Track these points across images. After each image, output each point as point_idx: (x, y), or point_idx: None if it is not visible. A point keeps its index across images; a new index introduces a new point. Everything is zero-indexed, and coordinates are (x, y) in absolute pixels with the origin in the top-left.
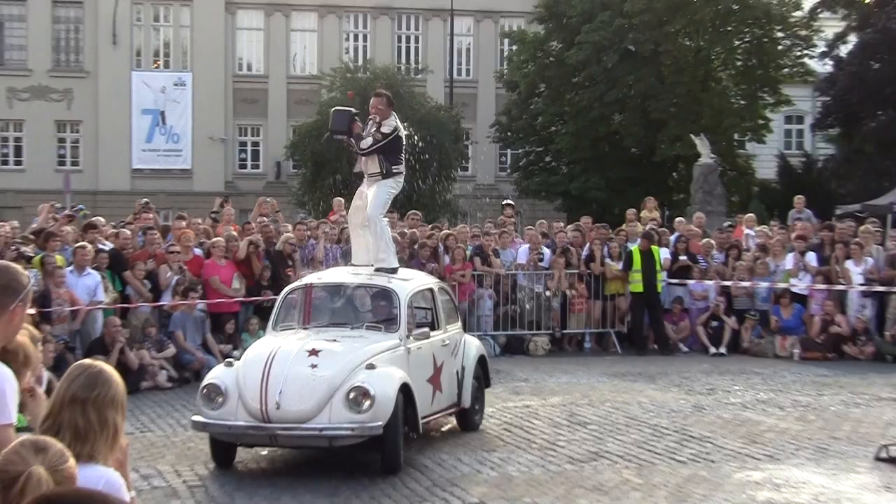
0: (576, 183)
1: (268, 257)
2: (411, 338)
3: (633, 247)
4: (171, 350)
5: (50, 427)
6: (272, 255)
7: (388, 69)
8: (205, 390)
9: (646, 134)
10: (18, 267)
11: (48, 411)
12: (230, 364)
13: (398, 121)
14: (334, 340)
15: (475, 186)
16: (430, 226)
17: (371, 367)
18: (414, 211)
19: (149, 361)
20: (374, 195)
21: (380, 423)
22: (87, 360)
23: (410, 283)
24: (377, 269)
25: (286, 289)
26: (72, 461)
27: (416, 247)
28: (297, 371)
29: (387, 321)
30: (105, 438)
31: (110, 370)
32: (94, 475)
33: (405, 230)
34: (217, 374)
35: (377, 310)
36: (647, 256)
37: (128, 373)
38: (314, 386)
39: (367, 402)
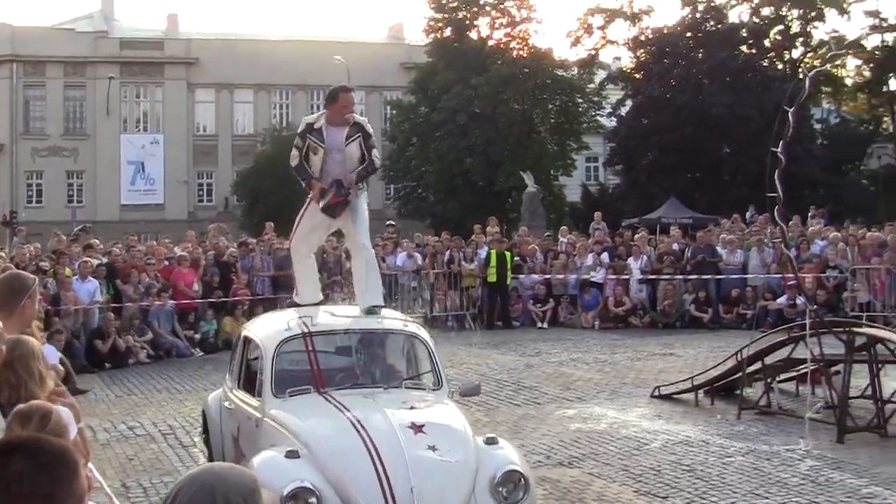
0: (440, 207)
1: (217, 266)
2: (454, 394)
3: (492, 250)
4: (149, 335)
5: None
6: (221, 264)
7: None
8: (291, 500)
9: (488, 171)
10: (24, 272)
11: None
12: (294, 455)
13: None
14: (412, 408)
15: (369, 212)
16: (336, 239)
17: (492, 441)
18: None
19: (132, 344)
20: (356, 217)
21: None
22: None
23: (417, 324)
24: (368, 309)
25: (276, 342)
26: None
27: (324, 256)
28: (419, 456)
29: (419, 376)
30: (34, 382)
31: (24, 336)
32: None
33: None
34: (293, 472)
35: (403, 361)
36: (501, 258)
37: (118, 352)
38: (451, 473)
39: (522, 490)
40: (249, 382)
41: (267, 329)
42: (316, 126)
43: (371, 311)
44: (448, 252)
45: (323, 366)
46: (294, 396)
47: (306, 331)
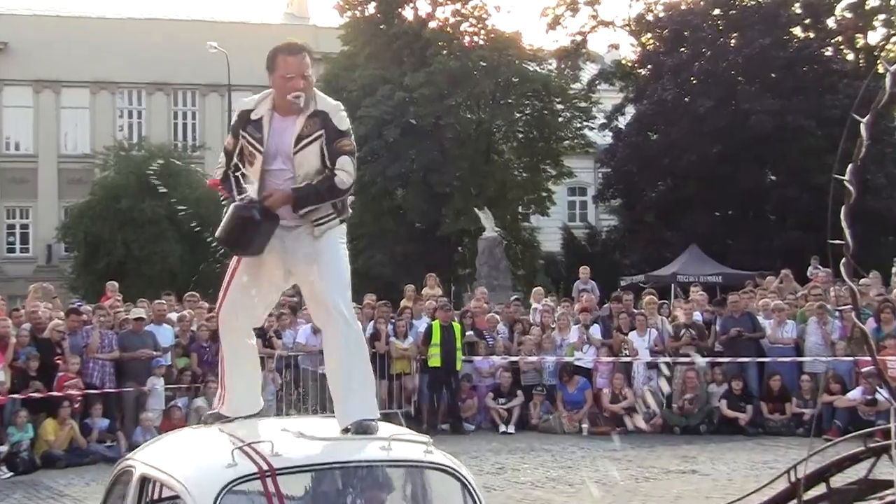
0: (360, 259)
1: (36, 345)
2: None
3: (435, 322)
4: None
5: None
6: (41, 343)
7: (165, 146)
8: None
9: (429, 208)
10: None
11: None
12: None
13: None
14: None
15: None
16: (209, 306)
17: None
18: (191, 292)
19: None
20: (323, 264)
21: None
22: None
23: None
24: (358, 426)
25: (214, 491)
26: None
27: (195, 329)
28: None
29: None
30: None
31: None
32: None
33: (185, 313)
34: None
35: None
36: (447, 332)
37: None
38: None
39: None
40: None
41: (189, 465)
42: (255, 116)
43: (362, 428)
44: (372, 324)
45: None
46: None
47: (265, 467)
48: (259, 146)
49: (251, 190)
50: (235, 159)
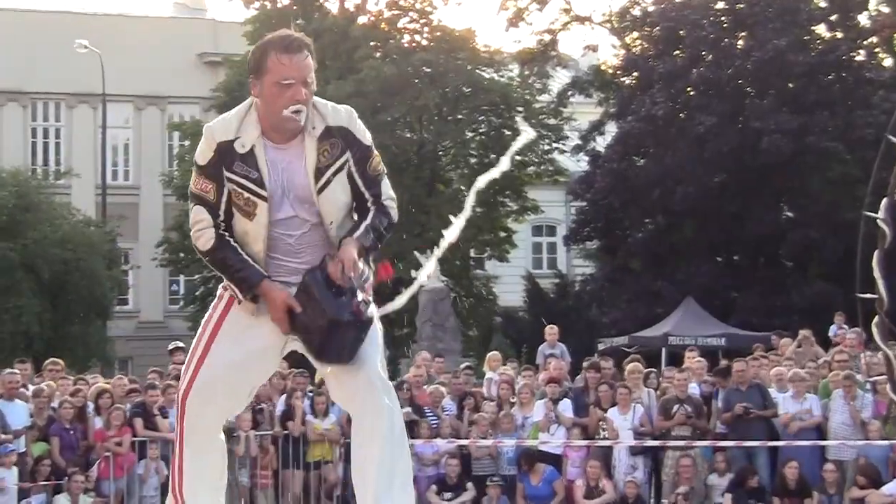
0: None
1: None
2: None
3: None
4: None
5: None
6: None
7: (19, 173)
8: None
9: None
10: None
11: None
12: None
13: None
14: None
15: (138, 325)
16: (75, 378)
17: None
18: (53, 360)
19: None
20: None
21: None
22: None
23: None
24: None
25: None
26: None
27: (56, 407)
28: None
29: None
30: None
31: None
32: None
33: (43, 386)
34: None
35: None
36: None
37: None
38: None
39: None
40: None
41: None
42: (241, 147)
43: None
44: (283, 399)
45: None
46: None
47: None
48: (260, 190)
49: (255, 253)
50: (222, 215)
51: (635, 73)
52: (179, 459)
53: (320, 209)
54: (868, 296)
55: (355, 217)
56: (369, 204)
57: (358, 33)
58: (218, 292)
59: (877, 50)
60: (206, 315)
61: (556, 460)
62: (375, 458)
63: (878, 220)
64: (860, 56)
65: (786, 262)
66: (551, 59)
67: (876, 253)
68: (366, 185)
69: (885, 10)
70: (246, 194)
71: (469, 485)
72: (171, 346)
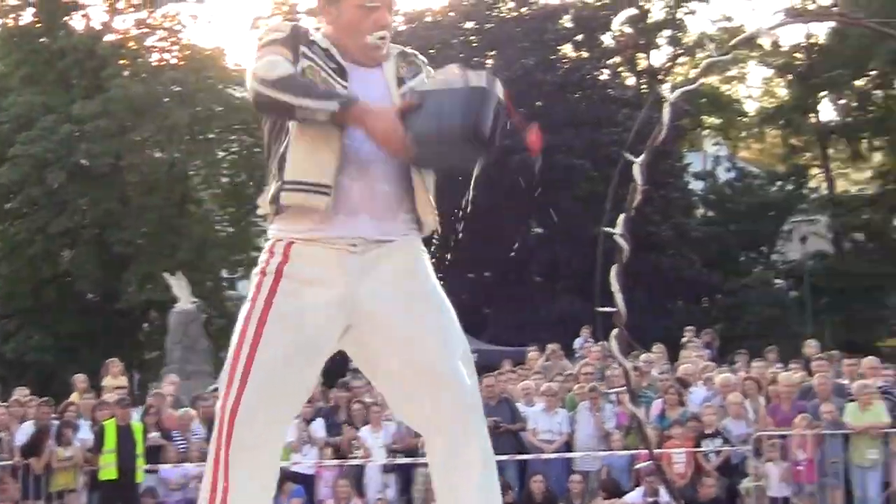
0: (11, 344)
1: None
2: None
3: (108, 422)
4: None
5: None
6: None
7: None
8: None
9: (106, 274)
10: None
11: None
12: None
13: None
14: None
15: None
16: None
17: None
18: None
19: None
20: (434, 308)
21: None
22: None
23: None
24: None
25: None
26: None
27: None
28: None
29: None
30: None
31: None
32: None
33: None
34: None
35: None
36: (125, 435)
37: None
38: None
39: None
40: None
41: None
42: (320, 41)
43: None
44: (25, 427)
45: None
46: None
47: None
48: (339, 78)
49: (327, 169)
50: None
51: None
52: (222, 491)
53: None
54: (607, 309)
55: None
56: None
57: (105, 51)
58: (254, 279)
59: (620, 69)
60: (244, 310)
61: (307, 480)
62: (467, 487)
63: (615, 236)
64: (604, 75)
65: (535, 278)
66: None
67: (614, 267)
68: None
69: (628, 30)
70: (323, 74)
71: None
72: None
